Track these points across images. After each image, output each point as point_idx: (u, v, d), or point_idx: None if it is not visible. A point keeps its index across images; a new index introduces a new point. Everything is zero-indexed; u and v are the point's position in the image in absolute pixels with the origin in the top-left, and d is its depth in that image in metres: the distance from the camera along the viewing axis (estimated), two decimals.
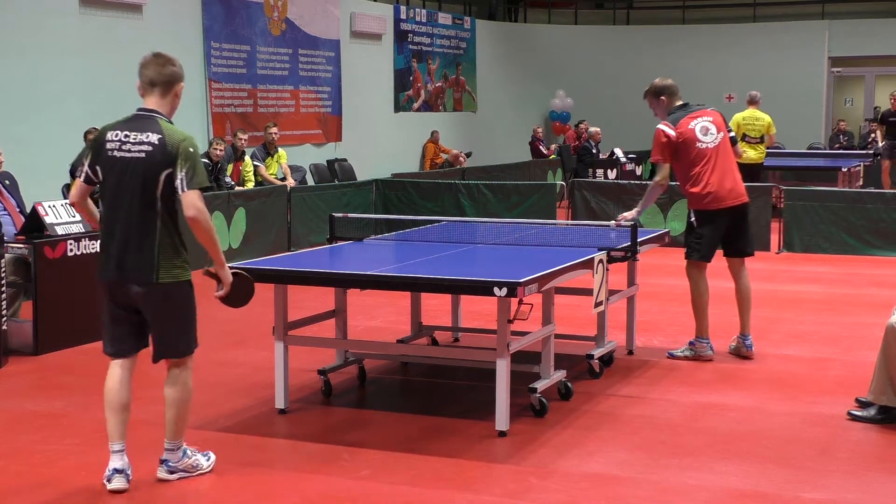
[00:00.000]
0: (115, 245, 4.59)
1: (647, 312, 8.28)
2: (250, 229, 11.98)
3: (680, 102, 7.17)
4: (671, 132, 6.97)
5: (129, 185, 4.51)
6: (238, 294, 4.88)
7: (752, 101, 14.56)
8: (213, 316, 6.09)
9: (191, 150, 4.51)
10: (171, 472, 4.76)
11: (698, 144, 6.99)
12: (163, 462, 4.78)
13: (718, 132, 7.06)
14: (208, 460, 4.90)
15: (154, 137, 4.49)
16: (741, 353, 7.16)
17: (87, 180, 4.66)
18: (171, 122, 4.63)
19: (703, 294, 7.09)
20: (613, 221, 7.12)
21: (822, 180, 16.42)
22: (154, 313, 4.66)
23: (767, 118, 14.39)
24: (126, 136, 4.54)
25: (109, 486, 4.63)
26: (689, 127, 7.00)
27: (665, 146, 7.01)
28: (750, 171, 13.22)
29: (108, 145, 4.56)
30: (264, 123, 14.13)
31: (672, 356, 7.17)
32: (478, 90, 22.14)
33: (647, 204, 7.18)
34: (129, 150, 4.51)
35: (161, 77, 4.60)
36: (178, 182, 4.47)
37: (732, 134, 7.33)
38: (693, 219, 7.08)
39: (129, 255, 4.56)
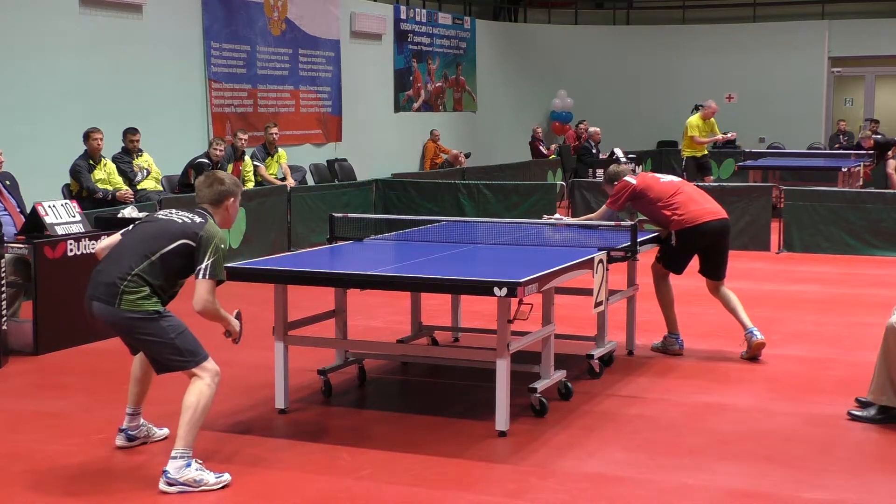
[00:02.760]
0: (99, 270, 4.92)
1: (647, 312, 8.27)
2: (250, 229, 11.98)
3: None
4: (632, 181, 7.23)
5: (149, 233, 4.88)
6: None
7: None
8: None
9: (221, 245, 4.84)
10: (170, 485, 4.65)
11: (661, 180, 7.32)
12: (163, 472, 4.69)
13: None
14: (219, 478, 4.72)
15: (197, 219, 4.89)
16: (754, 351, 7.17)
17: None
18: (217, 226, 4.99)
19: (665, 294, 7.37)
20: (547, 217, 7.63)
21: (822, 180, 16.43)
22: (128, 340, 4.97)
23: (689, 120, 15.64)
24: (178, 211, 5.01)
25: (116, 442, 5.27)
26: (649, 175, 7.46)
27: (625, 194, 7.22)
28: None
29: (160, 213, 5.12)
30: (264, 123, 14.13)
31: (653, 349, 7.40)
32: (478, 90, 22.13)
33: (583, 222, 7.62)
34: (171, 216, 4.93)
35: (208, 196, 5.01)
36: (199, 267, 4.76)
37: None
38: (673, 240, 7.18)
39: (101, 282, 4.84)
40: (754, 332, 7.16)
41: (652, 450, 5.25)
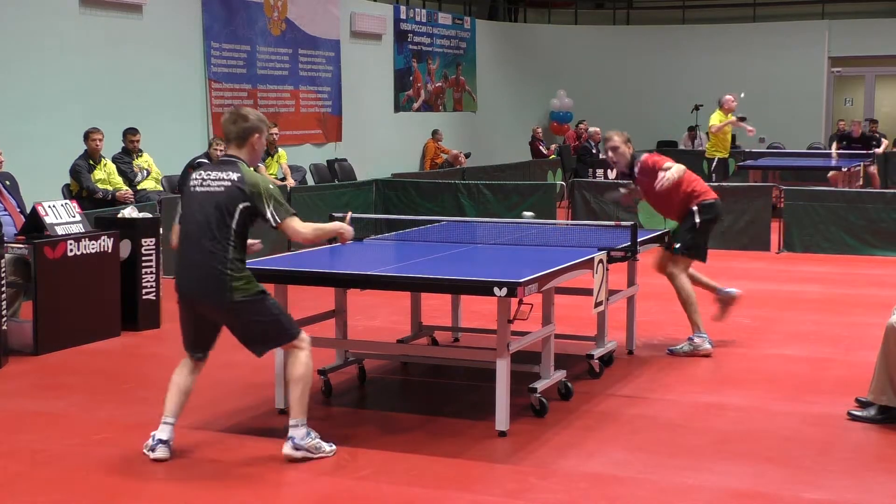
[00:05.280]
0: (189, 264, 4.96)
1: (647, 312, 8.27)
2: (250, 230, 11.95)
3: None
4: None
5: (205, 213, 4.91)
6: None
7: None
8: None
9: (270, 186, 4.99)
10: (296, 450, 4.95)
11: (666, 164, 7.19)
12: (289, 439, 4.97)
13: None
14: (330, 447, 5.06)
15: (232, 174, 4.93)
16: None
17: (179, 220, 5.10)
18: (250, 168, 5.04)
19: (691, 292, 7.26)
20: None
21: (822, 180, 16.44)
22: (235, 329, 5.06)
23: (711, 117, 15.48)
24: (207, 174, 5.00)
25: (153, 455, 5.00)
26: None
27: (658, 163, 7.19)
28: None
29: (190, 182, 5.04)
30: None
31: (672, 352, 7.22)
32: (478, 90, 22.13)
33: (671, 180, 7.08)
34: (209, 186, 4.94)
35: (233, 133, 5.05)
36: (268, 217, 4.95)
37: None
38: (698, 219, 7.16)
39: (202, 276, 4.89)
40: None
41: (652, 450, 5.25)
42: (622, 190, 7.77)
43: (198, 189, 4.97)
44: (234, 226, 4.89)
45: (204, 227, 4.89)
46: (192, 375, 5.15)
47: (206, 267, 4.85)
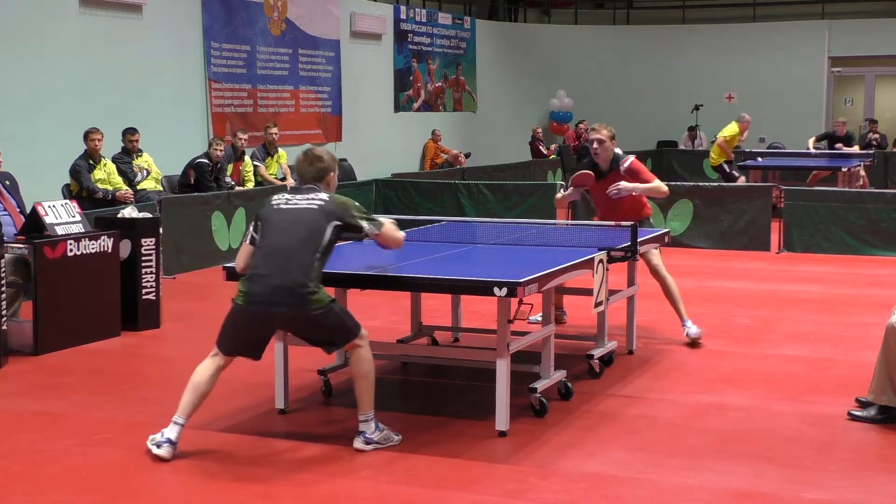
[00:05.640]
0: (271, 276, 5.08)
1: (647, 312, 8.27)
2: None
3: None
4: None
5: (294, 230, 5.11)
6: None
7: (739, 120, 15.96)
8: (213, 316, 6.09)
9: (357, 203, 5.31)
10: (367, 443, 5.15)
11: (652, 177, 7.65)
12: (360, 433, 5.17)
13: None
14: (398, 435, 5.27)
15: (323, 195, 5.21)
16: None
17: (252, 242, 5.28)
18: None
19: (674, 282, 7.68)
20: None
21: (821, 180, 16.45)
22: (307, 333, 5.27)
23: (727, 131, 15.69)
24: (292, 196, 5.23)
25: (156, 451, 5.01)
26: None
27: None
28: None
29: (274, 203, 5.25)
30: (264, 123, 14.14)
31: (690, 335, 7.55)
32: (478, 90, 22.14)
33: (643, 191, 7.47)
34: (297, 204, 5.18)
35: (311, 174, 5.30)
36: (365, 232, 5.27)
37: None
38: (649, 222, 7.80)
39: (285, 290, 5.04)
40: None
41: (652, 450, 5.25)
42: (563, 192, 7.91)
43: (283, 207, 5.18)
44: (323, 242, 5.10)
45: (292, 242, 5.06)
46: (215, 377, 5.18)
47: (290, 281, 4.99)
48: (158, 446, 5.03)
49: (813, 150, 18.15)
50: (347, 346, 5.24)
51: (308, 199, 5.18)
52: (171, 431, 5.05)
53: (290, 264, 5.02)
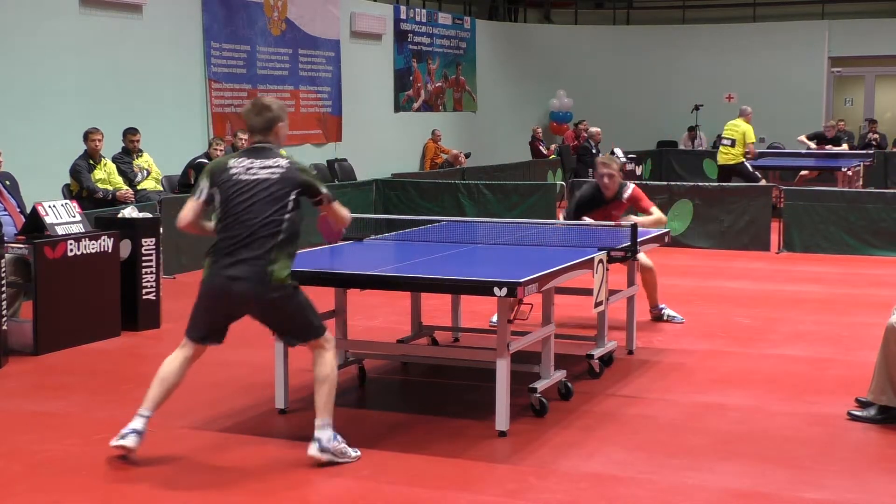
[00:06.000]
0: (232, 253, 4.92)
1: (647, 312, 8.28)
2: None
3: None
4: None
5: (254, 202, 4.90)
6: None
7: (741, 113, 15.82)
8: None
9: (314, 172, 5.18)
10: (322, 451, 4.91)
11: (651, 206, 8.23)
12: (315, 440, 4.93)
13: None
14: (356, 452, 5.03)
15: (282, 161, 4.98)
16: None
17: (201, 198, 5.05)
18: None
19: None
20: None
21: (822, 180, 16.45)
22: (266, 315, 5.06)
23: (746, 127, 15.35)
24: (251, 162, 4.98)
25: (120, 441, 4.92)
26: None
27: None
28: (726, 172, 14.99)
29: (233, 170, 4.99)
30: None
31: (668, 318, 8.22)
32: (478, 90, 22.14)
33: (648, 225, 7.83)
34: (258, 174, 4.95)
35: (259, 124, 5.06)
36: (319, 198, 5.04)
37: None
38: None
39: (246, 265, 4.88)
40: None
41: (652, 450, 5.25)
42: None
43: (242, 177, 4.95)
44: (287, 214, 4.92)
45: (255, 215, 4.87)
46: (183, 369, 5.07)
47: (257, 254, 4.84)
48: (124, 437, 4.93)
49: (811, 145, 18.16)
50: (311, 345, 5.05)
51: (268, 166, 4.94)
52: (136, 423, 4.96)
53: (253, 238, 4.85)
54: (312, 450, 4.92)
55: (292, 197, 4.94)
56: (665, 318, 8.28)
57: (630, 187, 8.03)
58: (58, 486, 4.77)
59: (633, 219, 7.66)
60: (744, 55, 23.04)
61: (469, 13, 22.58)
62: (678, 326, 8.15)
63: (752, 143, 15.44)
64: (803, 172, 17.06)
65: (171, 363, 5.07)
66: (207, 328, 5.07)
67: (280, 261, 4.88)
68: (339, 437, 4.99)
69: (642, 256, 7.72)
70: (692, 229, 12.67)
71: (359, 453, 5.04)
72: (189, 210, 5.07)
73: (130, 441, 4.92)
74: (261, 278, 4.84)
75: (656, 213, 8.03)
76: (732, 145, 15.26)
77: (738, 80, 23.06)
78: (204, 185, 5.05)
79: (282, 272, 4.88)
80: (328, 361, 5.02)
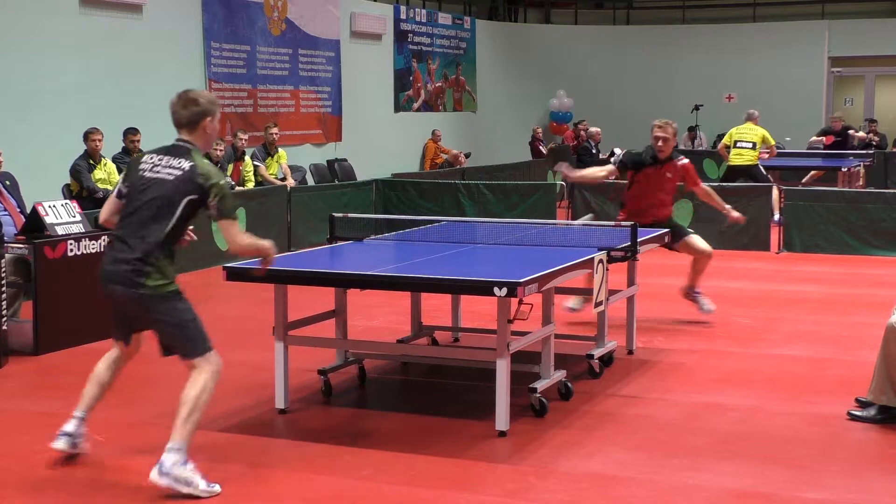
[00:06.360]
0: (118, 248, 4.75)
1: (647, 312, 8.27)
2: (250, 229, 11.92)
3: None
4: None
5: (147, 200, 4.69)
6: None
7: (749, 117, 15.67)
8: (213, 316, 6.08)
9: (221, 182, 4.71)
10: (161, 475, 4.50)
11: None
12: (158, 462, 4.55)
13: None
14: (210, 487, 4.57)
15: (185, 163, 4.70)
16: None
17: (119, 195, 4.86)
18: (202, 155, 4.80)
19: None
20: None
21: (821, 180, 16.44)
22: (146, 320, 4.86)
23: (763, 130, 15.24)
24: (160, 159, 4.77)
25: (54, 445, 4.92)
26: None
27: None
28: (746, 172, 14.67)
29: (142, 165, 4.79)
30: (264, 123, 14.14)
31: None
32: (478, 90, 22.14)
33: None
34: (159, 172, 4.71)
35: (184, 118, 4.80)
36: (212, 207, 4.66)
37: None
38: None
39: (124, 262, 4.70)
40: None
41: (652, 450, 5.25)
42: (563, 170, 8.63)
43: (146, 174, 4.72)
44: (172, 220, 4.64)
45: (143, 213, 4.66)
46: (111, 368, 5.00)
47: (131, 253, 4.63)
48: (56, 439, 4.88)
49: (824, 140, 18.05)
50: (189, 364, 4.68)
51: (170, 167, 4.68)
52: (68, 425, 4.92)
53: (135, 240, 4.64)
54: (153, 473, 4.52)
55: (184, 202, 4.64)
56: (697, 301, 8.41)
57: (684, 158, 8.36)
58: (58, 486, 4.77)
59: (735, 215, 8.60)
60: (744, 55, 23.04)
61: (469, 13, 22.58)
62: (678, 326, 8.14)
63: (774, 144, 15.45)
64: (813, 172, 16.91)
65: (101, 363, 5.04)
66: (114, 325, 5.01)
67: (155, 266, 4.64)
68: (191, 465, 4.55)
69: (701, 241, 8.21)
70: (692, 229, 12.63)
71: (217, 489, 4.57)
72: (106, 207, 4.94)
73: (61, 443, 4.90)
74: (131, 281, 4.63)
75: (706, 187, 8.54)
76: (753, 148, 15.14)
77: (738, 80, 23.06)
78: (121, 180, 4.92)
79: (156, 279, 4.63)
80: (198, 384, 4.61)
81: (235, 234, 4.73)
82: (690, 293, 8.43)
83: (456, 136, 20.93)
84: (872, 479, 4.85)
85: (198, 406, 4.61)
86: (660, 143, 8.12)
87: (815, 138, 18.71)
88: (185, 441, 4.56)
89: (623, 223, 6.99)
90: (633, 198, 8.25)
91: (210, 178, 4.66)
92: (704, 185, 8.55)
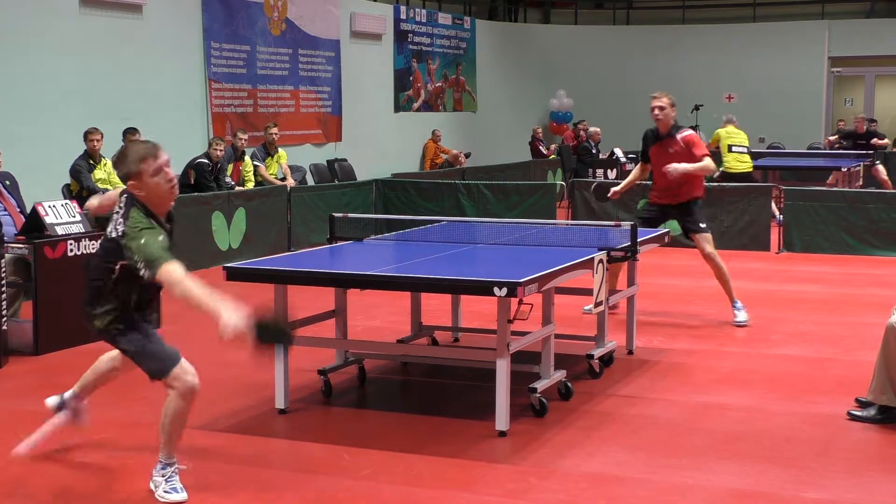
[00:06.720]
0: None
1: (647, 312, 8.27)
2: (250, 229, 11.98)
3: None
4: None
5: (97, 253, 4.77)
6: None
7: (730, 121, 15.69)
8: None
9: (141, 241, 4.40)
10: (154, 486, 4.64)
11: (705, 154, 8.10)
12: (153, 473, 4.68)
13: None
14: (169, 493, 4.57)
15: (120, 229, 4.50)
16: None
17: None
18: (140, 208, 4.52)
19: (725, 266, 8.26)
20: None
21: (822, 180, 16.43)
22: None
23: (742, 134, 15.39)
24: (119, 209, 4.58)
25: (46, 400, 5.20)
26: None
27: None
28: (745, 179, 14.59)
29: (114, 210, 4.64)
30: (264, 123, 14.13)
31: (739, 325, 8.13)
32: (478, 90, 22.14)
33: (693, 170, 7.98)
34: (111, 222, 4.60)
35: (122, 175, 4.60)
36: (143, 274, 4.41)
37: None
38: (698, 207, 8.20)
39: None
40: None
41: (652, 450, 5.25)
42: (609, 196, 8.56)
43: (107, 231, 4.64)
44: (112, 278, 4.55)
45: (94, 269, 4.65)
46: (115, 364, 5.02)
47: (84, 300, 4.66)
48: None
49: (844, 145, 17.95)
50: (162, 383, 4.61)
51: (115, 221, 4.56)
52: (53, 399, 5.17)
53: (87, 281, 4.65)
54: (151, 483, 4.66)
55: (118, 267, 4.51)
56: (733, 311, 8.22)
57: (687, 130, 8.05)
58: (58, 487, 4.77)
59: (675, 166, 7.79)
60: (744, 55, 23.04)
61: (469, 13, 22.59)
62: (678, 326, 8.14)
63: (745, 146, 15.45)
64: (837, 173, 16.72)
65: (105, 355, 5.09)
66: None
67: (100, 309, 4.60)
68: (169, 469, 4.62)
69: (707, 243, 8.01)
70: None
71: (177, 498, 4.56)
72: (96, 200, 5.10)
73: (52, 400, 5.16)
74: (87, 317, 4.66)
75: (707, 161, 7.97)
76: (748, 153, 15.18)
77: (738, 80, 23.07)
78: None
79: (102, 321, 4.62)
80: (169, 412, 4.56)
81: (174, 282, 4.39)
82: (732, 304, 8.26)
83: (456, 136, 20.93)
84: (872, 479, 4.85)
85: (174, 431, 4.60)
86: (656, 112, 7.93)
87: (833, 140, 18.65)
88: (167, 455, 4.63)
89: (622, 223, 6.99)
90: (656, 179, 8.22)
91: (130, 239, 4.43)
92: (706, 161, 7.96)
